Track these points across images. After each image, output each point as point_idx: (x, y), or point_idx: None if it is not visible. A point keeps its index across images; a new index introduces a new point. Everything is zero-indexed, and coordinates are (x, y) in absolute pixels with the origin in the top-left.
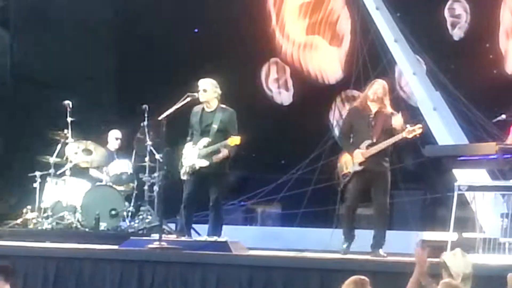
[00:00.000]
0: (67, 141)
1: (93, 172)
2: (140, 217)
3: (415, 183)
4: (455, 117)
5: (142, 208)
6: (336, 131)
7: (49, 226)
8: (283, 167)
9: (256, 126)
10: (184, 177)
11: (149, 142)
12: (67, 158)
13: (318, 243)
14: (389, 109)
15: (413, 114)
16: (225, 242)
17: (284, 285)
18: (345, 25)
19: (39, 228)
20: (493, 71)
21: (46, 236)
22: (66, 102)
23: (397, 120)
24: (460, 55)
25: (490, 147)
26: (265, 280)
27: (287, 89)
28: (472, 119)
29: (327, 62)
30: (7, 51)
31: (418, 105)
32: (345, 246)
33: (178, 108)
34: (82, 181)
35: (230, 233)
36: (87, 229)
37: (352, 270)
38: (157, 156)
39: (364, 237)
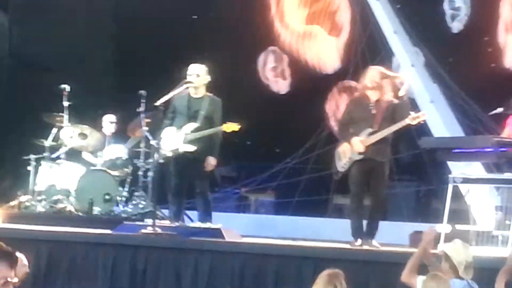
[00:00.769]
0: (62, 125)
1: (86, 156)
2: (134, 202)
3: (409, 174)
4: (452, 110)
5: (136, 194)
6: (332, 121)
7: (43, 210)
8: (278, 155)
9: (251, 114)
10: (161, 160)
11: (144, 128)
12: (62, 142)
13: (311, 232)
14: (389, 95)
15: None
16: (219, 229)
17: (276, 273)
18: (344, 16)
19: (33, 211)
20: (491, 64)
21: (39, 220)
22: (63, 86)
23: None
24: (459, 48)
25: (486, 140)
26: (258, 268)
27: (284, 78)
28: (469, 112)
29: (325, 52)
30: (6, 34)
31: (415, 97)
32: (358, 244)
33: (175, 95)
34: (76, 165)
35: (223, 220)
36: (80, 213)
37: (344, 260)
38: (152, 142)
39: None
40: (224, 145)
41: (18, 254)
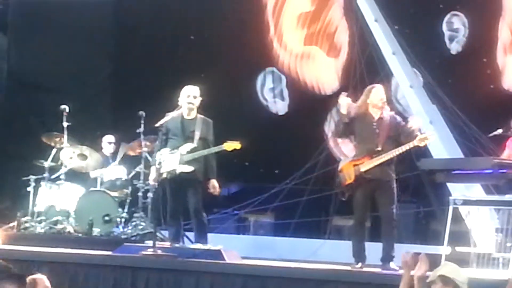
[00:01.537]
0: (62, 145)
1: (94, 174)
2: (134, 223)
3: (408, 196)
4: (451, 131)
5: (135, 215)
6: (331, 142)
7: (42, 231)
8: (277, 176)
9: (250, 135)
10: (154, 183)
11: (144, 149)
12: (61, 163)
13: (311, 253)
14: (389, 113)
15: None
16: (219, 250)
17: None
18: (343, 37)
19: (32, 232)
20: (490, 86)
21: (39, 241)
22: (63, 106)
23: (416, 122)
24: (458, 69)
25: (485, 162)
26: None
27: (282, 99)
28: (468, 133)
29: (324, 73)
30: (4, 55)
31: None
32: (358, 266)
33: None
34: (76, 186)
35: (222, 241)
36: (80, 234)
37: (345, 282)
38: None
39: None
40: (223, 166)
41: (40, 276)
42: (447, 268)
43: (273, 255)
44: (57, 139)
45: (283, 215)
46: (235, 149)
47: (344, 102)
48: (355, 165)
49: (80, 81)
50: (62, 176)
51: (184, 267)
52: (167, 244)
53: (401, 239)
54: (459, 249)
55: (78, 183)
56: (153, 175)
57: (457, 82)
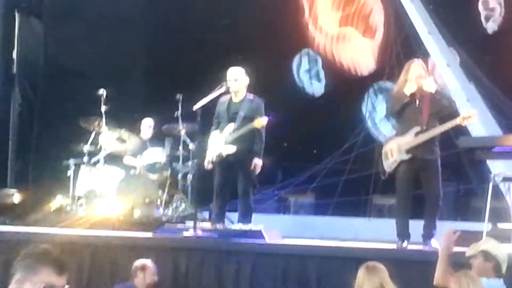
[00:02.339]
0: (101, 130)
1: (127, 160)
2: (174, 205)
3: (448, 174)
4: (489, 109)
5: (175, 197)
6: (369, 122)
7: (83, 214)
8: (315, 157)
9: (287, 116)
10: (209, 166)
11: (182, 132)
12: (101, 147)
13: (351, 232)
14: (430, 89)
15: None
16: (260, 230)
17: (319, 274)
18: (378, 17)
19: (73, 215)
20: None
21: (80, 224)
22: (101, 91)
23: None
24: (494, 48)
25: None
26: (300, 269)
27: (318, 80)
28: (506, 110)
29: (360, 54)
30: (41, 42)
31: (452, 97)
32: (404, 245)
33: (219, 100)
34: (116, 169)
35: (263, 222)
36: (121, 217)
37: (388, 259)
38: (191, 146)
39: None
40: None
41: (148, 262)
42: (489, 244)
43: (314, 234)
44: (96, 123)
45: (323, 195)
46: (263, 126)
47: None
48: (398, 143)
49: (117, 66)
50: (102, 160)
51: (225, 247)
52: (208, 225)
53: (442, 217)
54: (500, 225)
55: (118, 166)
56: (207, 158)
57: (494, 61)
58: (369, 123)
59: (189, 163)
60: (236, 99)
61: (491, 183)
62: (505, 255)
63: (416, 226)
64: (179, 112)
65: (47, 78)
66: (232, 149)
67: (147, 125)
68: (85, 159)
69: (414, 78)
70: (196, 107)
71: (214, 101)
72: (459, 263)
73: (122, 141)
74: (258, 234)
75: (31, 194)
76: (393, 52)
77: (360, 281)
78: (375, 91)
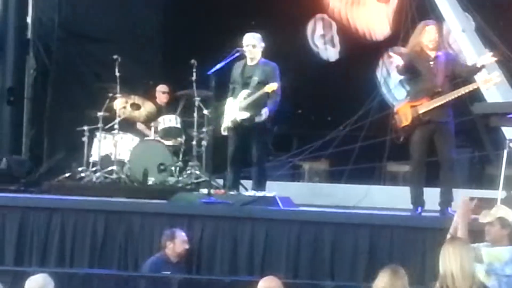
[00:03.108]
0: (115, 95)
1: (140, 126)
2: (188, 172)
3: (463, 140)
4: (504, 75)
5: (190, 163)
6: (384, 88)
7: (97, 180)
8: (330, 123)
9: (301, 82)
10: (225, 132)
11: (197, 98)
12: (115, 113)
13: (366, 199)
14: (444, 50)
15: None
16: (274, 197)
17: (333, 241)
18: None
19: (88, 182)
20: None
21: (94, 190)
22: (115, 56)
23: (486, 59)
24: (509, 11)
25: None
26: (314, 236)
27: (333, 45)
28: None
29: (375, 19)
30: (56, 6)
31: (467, 62)
32: (418, 211)
33: (226, 63)
34: (130, 135)
35: (276, 189)
36: (135, 184)
37: (401, 226)
38: (205, 111)
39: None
40: (275, 115)
41: (177, 231)
42: (504, 211)
43: (328, 201)
44: (110, 89)
45: (337, 162)
46: (273, 90)
47: (396, 58)
48: (412, 106)
49: (131, 31)
50: (116, 126)
51: (239, 214)
52: (221, 192)
53: (457, 184)
54: None
55: (132, 132)
56: (223, 125)
57: (509, 25)
58: (383, 89)
59: (204, 129)
60: (251, 63)
61: (506, 150)
62: None
63: (431, 194)
64: (194, 77)
65: (61, 42)
66: (246, 115)
67: (161, 91)
68: (100, 125)
69: (428, 42)
70: (211, 72)
71: (229, 66)
72: (471, 230)
73: (137, 107)
74: (272, 200)
75: (45, 161)
76: (408, 17)
77: (385, 285)
78: (389, 57)
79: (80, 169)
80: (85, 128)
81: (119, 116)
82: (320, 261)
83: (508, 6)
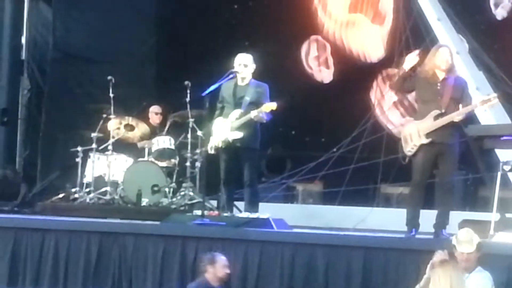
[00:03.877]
0: (109, 116)
1: (141, 144)
2: (182, 193)
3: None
4: (498, 98)
5: (184, 185)
6: (378, 110)
7: (91, 201)
8: (323, 145)
9: (295, 103)
10: (212, 151)
11: (191, 119)
12: (109, 134)
13: (360, 221)
14: (454, 74)
15: None
16: (268, 219)
17: (326, 263)
18: (387, 4)
19: (81, 203)
20: None
21: (88, 211)
22: (109, 77)
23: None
24: (504, 35)
25: None
26: (308, 258)
27: (327, 67)
28: None
29: (369, 41)
30: (50, 27)
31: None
32: (412, 233)
33: (222, 85)
34: (124, 156)
35: (270, 211)
36: (129, 205)
37: (395, 249)
38: (199, 133)
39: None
40: (269, 136)
41: (217, 255)
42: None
43: (322, 223)
44: (104, 110)
45: (331, 184)
46: (272, 110)
47: (412, 58)
48: (417, 127)
49: (125, 52)
50: (110, 147)
51: (233, 236)
52: (215, 213)
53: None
54: (508, 215)
55: (126, 153)
56: (210, 144)
57: (503, 48)
58: (377, 111)
59: (198, 150)
60: (241, 83)
61: (500, 172)
62: None
63: (425, 216)
64: (188, 99)
65: (55, 63)
66: (238, 135)
67: (154, 112)
68: (94, 146)
69: (441, 62)
70: (205, 93)
71: (219, 87)
72: None
73: (131, 128)
74: (266, 222)
75: (39, 181)
76: (403, 39)
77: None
78: (383, 79)
79: (73, 190)
80: (79, 149)
81: (113, 137)
82: (313, 283)
83: (503, 30)
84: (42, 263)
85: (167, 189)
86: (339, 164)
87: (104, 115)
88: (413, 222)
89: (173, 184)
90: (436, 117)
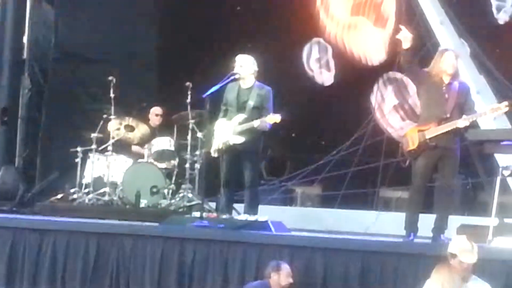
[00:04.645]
0: (109, 117)
1: (135, 148)
2: (181, 195)
3: None
4: (499, 101)
5: (183, 186)
6: (378, 114)
7: (90, 202)
8: (324, 148)
9: (296, 106)
10: (215, 154)
11: (191, 120)
12: (109, 134)
13: (358, 225)
14: (459, 79)
15: None
16: (266, 221)
17: (324, 266)
18: (389, 7)
19: (80, 203)
20: None
21: (87, 212)
22: (110, 77)
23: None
24: (505, 39)
25: None
26: (306, 261)
27: (328, 70)
28: None
29: (371, 44)
30: (52, 27)
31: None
32: (410, 238)
33: (227, 87)
34: (123, 157)
35: (269, 213)
36: (127, 206)
37: (394, 253)
38: (199, 134)
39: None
40: (269, 138)
41: (283, 264)
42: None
43: (320, 226)
44: (105, 110)
45: (330, 187)
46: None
47: (406, 36)
48: (420, 130)
49: (126, 53)
50: (110, 148)
51: (231, 238)
52: (214, 215)
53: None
54: (507, 220)
55: (125, 154)
56: (214, 146)
57: (505, 52)
58: (378, 114)
59: (197, 152)
60: (244, 86)
61: (499, 177)
62: None
63: (423, 220)
64: (189, 100)
65: (57, 63)
66: (240, 139)
67: (155, 113)
68: (93, 146)
69: (448, 67)
70: (206, 95)
71: (223, 89)
72: None
73: (131, 129)
74: (264, 225)
75: (38, 181)
76: None
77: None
78: (384, 82)
79: (72, 190)
80: (79, 149)
81: (113, 138)
82: (311, 286)
83: (505, 34)
84: (39, 263)
85: (166, 191)
86: (339, 167)
87: (105, 116)
88: (412, 226)
89: (172, 186)
90: (440, 122)
